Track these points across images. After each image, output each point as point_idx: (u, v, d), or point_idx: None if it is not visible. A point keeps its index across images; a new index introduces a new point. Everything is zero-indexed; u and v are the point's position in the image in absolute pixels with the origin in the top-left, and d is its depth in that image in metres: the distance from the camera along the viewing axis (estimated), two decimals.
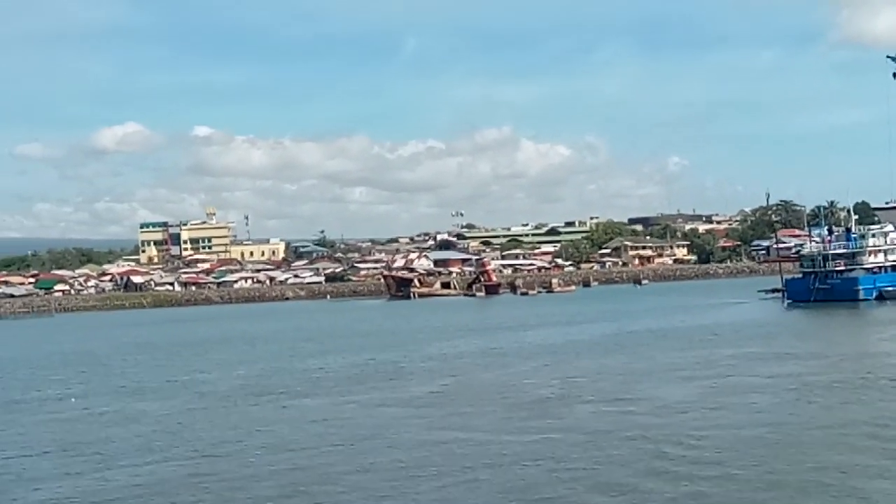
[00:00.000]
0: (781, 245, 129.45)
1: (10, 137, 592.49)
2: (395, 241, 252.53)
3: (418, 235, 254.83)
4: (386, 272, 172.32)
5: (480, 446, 26.93)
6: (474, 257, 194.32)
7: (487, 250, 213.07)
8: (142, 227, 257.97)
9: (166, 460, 27.35)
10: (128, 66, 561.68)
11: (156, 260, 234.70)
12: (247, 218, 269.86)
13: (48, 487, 24.62)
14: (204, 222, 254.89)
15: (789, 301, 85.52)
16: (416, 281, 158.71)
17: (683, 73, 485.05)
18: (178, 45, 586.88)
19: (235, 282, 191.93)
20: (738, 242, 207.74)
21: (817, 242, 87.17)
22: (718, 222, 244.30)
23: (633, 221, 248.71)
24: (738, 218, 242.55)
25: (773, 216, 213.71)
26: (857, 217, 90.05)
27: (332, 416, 33.77)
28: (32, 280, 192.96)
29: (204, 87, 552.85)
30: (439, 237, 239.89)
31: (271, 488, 23.28)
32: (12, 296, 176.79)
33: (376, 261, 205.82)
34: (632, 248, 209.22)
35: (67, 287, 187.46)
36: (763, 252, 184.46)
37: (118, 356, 64.98)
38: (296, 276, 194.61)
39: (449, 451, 26.61)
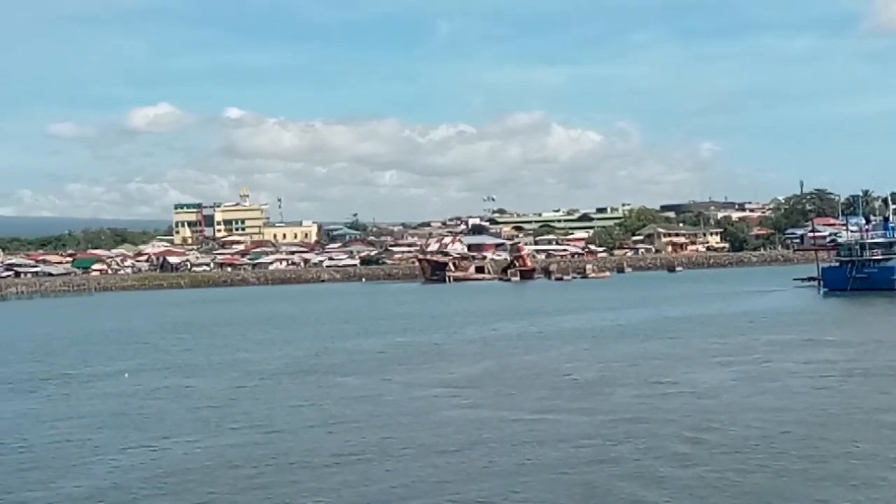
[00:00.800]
0: (817, 234, 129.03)
1: (43, 117, 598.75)
2: (427, 224, 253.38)
3: (450, 220, 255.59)
4: (421, 256, 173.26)
5: (527, 425, 27.61)
6: (508, 242, 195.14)
7: (520, 235, 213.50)
8: (176, 208, 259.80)
9: (222, 434, 28.26)
10: (161, 47, 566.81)
11: (189, 241, 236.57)
12: (279, 200, 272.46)
13: (112, 457, 25.52)
14: (237, 204, 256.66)
15: (825, 289, 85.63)
16: (450, 265, 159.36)
17: (716, 59, 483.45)
18: (212, 26, 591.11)
19: (270, 263, 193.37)
20: (772, 231, 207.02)
21: (854, 231, 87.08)
22: (751, 210, 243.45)
23: (665, 208, 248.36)
24: (770, 206, 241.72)
25: (806, 205, 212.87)
26: (895, 207, 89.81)
27: (379, 395, 34.61)
28: (70, 259, 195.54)
29: (236, 69, 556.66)
30: (471, 222, 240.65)
31: (329, 459, 24.12)
32: (51, 274, 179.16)
33: (409, 244, 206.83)
34: (665, 234, 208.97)
35: (105, 266, 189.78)
36: (797, 241, 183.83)
37: (160, 335, 66.18)
38: (330, 258, 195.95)
39: (496, 429, 27.28)
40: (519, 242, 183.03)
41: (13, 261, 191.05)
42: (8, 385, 41.23)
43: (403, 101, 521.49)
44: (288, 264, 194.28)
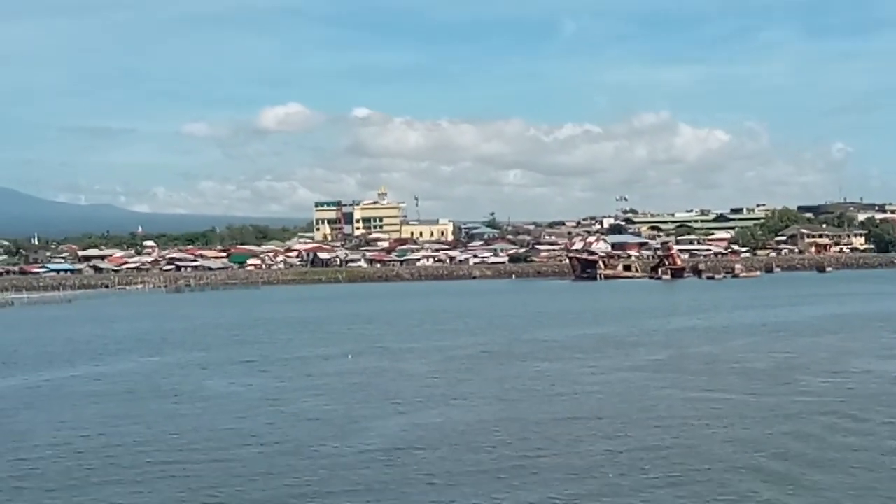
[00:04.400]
0: None
1: (177, 117, 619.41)
2: (561, 223, 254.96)
3: (585, 219, 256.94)
4: (569, 254, 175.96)
5: (736, 404, 30.41)
6: (651, 241, 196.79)
7: (661, 235, 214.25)
8: (317, 206, 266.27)
9: (459, 405, 31.74)
10: (291, 47, 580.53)
11: (329, 237, 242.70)
12: (416, 199, 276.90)
13: (380, 423, 28.89)
14: (376, 202, 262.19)
15: None
16: (600, 263, 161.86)
17: (850, 58, 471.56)
18: (341, 26, 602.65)
19: (417, 260, 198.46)
20: None
21: None
22: (892, 211, 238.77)
23: (802, 209, 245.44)
24: None
25: None
26: None
27: (582, 376, 37.99)
28: (224, 254, 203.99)
29: (364, 68, 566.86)
30: (606, 221, 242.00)
31: (567, 426, 27.39)
32: (209, 269, 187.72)
33: (551, 243, 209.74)
34: (808, 235, 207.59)
35: (259, 262, 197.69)
36: None
37: (346, 324, 70.03)
38: (475, 255, 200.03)
39: (704, 407, 30.02)
40: (669, 242, 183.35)
41: (174, 255, 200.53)
42: (237, 365, 45.48)
43: (528, 101, 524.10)
44: (434, 261, 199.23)
